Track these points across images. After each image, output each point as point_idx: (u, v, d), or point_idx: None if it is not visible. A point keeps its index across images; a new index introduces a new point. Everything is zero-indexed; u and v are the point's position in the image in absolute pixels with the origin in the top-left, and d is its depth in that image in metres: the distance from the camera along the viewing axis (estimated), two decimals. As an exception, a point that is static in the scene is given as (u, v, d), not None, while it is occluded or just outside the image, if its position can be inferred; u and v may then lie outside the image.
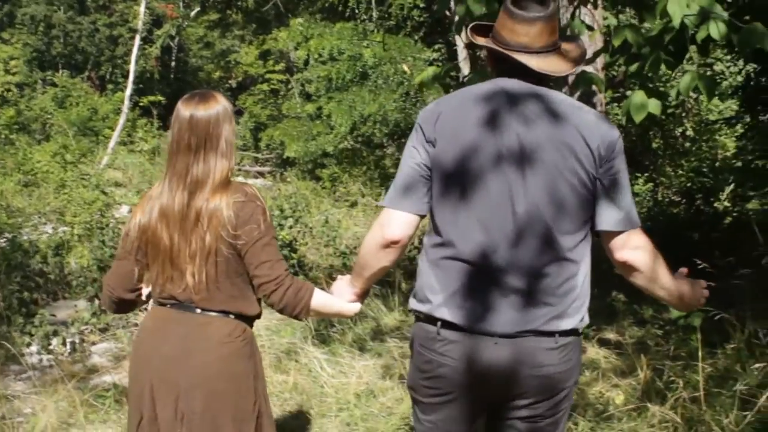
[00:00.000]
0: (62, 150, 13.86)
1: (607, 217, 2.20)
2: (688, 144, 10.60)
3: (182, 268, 2.44)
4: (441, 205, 2.23)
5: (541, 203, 2.14)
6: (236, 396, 2.48)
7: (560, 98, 2.23)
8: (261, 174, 18.49)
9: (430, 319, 2.26)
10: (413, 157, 2.26)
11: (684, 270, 2.48)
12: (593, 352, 5.61)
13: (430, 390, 2.32)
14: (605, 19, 8.86)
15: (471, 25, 2.41)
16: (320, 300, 2.54)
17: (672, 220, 8.65)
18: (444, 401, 2.31)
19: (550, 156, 2.14)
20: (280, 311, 2.50)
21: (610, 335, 5.94)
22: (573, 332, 2.24)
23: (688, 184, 9.39)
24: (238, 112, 22.17)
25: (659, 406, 4.12)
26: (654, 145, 10.76)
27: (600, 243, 2.29)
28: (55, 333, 5.56)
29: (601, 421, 4.20)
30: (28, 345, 5.48)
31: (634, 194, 9.26)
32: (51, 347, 5.47)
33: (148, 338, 2.54)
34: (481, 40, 2.35)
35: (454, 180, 2.19)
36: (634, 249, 2.23)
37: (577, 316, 2.24)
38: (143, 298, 2.65)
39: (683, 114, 10.80)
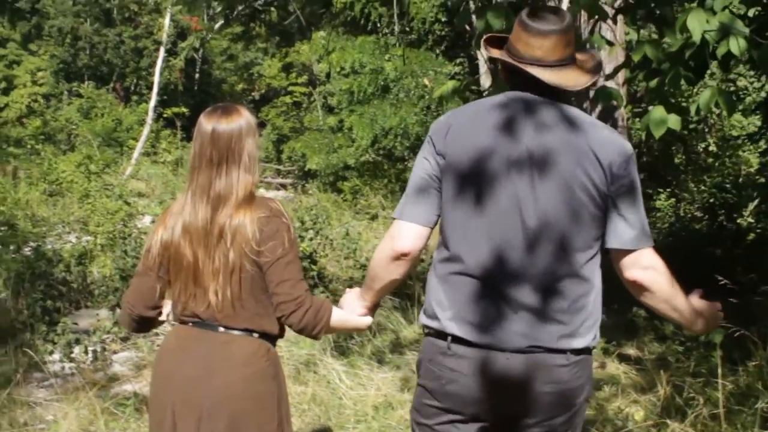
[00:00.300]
0: (87, 160, 14.01)
1: (619, 234, 2.17)
2: (710, 160, 10.52)
3: (205, 285, 2.39)
4: (450, 218, 2.21)
5: (551, 218, 2.12)
6: (260, 417, 2.42)
7: (573, 113, 2.21)
8: (283, 186, 18.57)
9: (440, 335, 2.23)
10: (424, 168, 2.25)
11: (698, 291, 2.42)
12: (613, 367, 5.59)
13: (438, 410, 2.26)
14: (627, 34, 8.87)
15: (485, 37, 2.40)
16: (337, 318, 2.50)
17: (694, 236, 8.59)
18: (452, 421, 2.25)
19: (560, 171, 2.12)
20: (299, 331, 2.45)
21: (630, 351, 5.91)
22: (585, 351, 2.22)
23: (711, 200, 9.31)
24: (261, 125, 22.31)
25: (679, 423, 4.10)
26: (676, 161, 10.69)
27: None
28: (77, 341, 5.61)
29: (620, 436, 4.18)
30: (51, 353, 5.54)
31: (656, 210, 9.25)
32: (73, 355, 5.52)
33: (169, 357, 2.49)
34: (495, 53, 2.33)
35: (463, 193, 2.18)
36: (644, 269, 2.19)
37: (589, 335, 2.21)
38: (163, 317, 2.60)
39: (706, 130, 10.73)
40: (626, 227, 2.16)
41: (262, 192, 14.49)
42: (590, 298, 2.19)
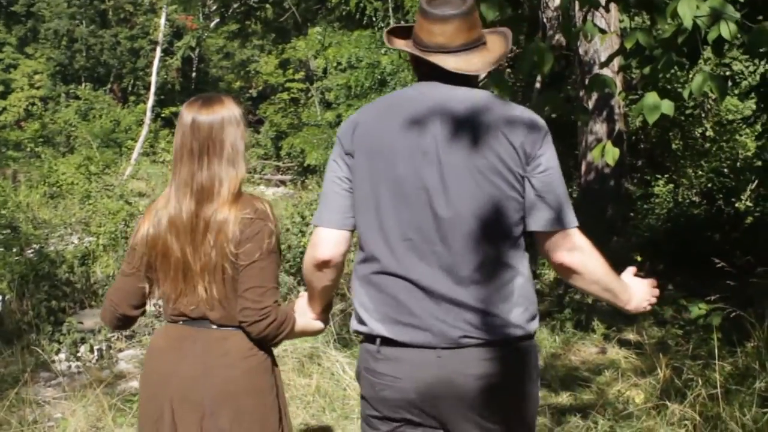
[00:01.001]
0: (86, 162, 14.05)
1: (538, 217, 2.07)
2: (708, 145, 10.56)
3: (194, 281, 2.32)
4: (362, 217, 2.13)
5: (463, 206, 2.04)
6: (262, 412, 2.37)
7: (482, 97, 2.13)
8: (282, 182, 18.62)
9: (370, 338, 2.14)
10: (334, 171, 2.18)
11: (632, 269, 2.34)
12: (613, 352, 5.65)
13: (380, 420, 2.17)
14: (621, 21, 8.90)
15: (389, 28, 2.31)
16: (297, 327, 2.43)
17: (692, 221, 8.63)
18: (395, 429, 2.15)
19: (470, 157, 2.04)
20: (258, 339, 2.36)
21: (630, 336, 5.97)
22: (518, 339, 2.09)
23: (709, 185, 9.35)
24: (259, 121, 22.34)
25: (678, 405, 4.15)
26: (674, 147, 10.73)
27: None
28: (83, 340, 5.66)
29: (621, 419, 4.24)
30: (57, 352, 5.60)
31: (654, 195, 9.27)
32: (79, 354, 5.58)
33: (162, 358, 2.40)
34: (400, 44, 2.24)
35: (373, 190, 2.10)
36: (569, 250, 2.11)
37: (520, 322, 2.09)
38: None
39: (702, 115, 10.77)
40: (545, 209, 2.07)
41: (261, 190, 14.49)
42: (515, 285, 2.09)
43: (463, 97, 2.11)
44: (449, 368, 2.05)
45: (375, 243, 2.11)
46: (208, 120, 2.33)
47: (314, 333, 2.60)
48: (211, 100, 2.38)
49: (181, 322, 2.39)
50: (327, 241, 2.19)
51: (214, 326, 2.35)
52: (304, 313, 2.47)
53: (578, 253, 2.11)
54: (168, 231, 2.34)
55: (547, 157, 2.08)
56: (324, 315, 2.51)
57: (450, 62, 2.10)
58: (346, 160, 2.16)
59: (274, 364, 2.47)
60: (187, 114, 2.35)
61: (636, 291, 2.27)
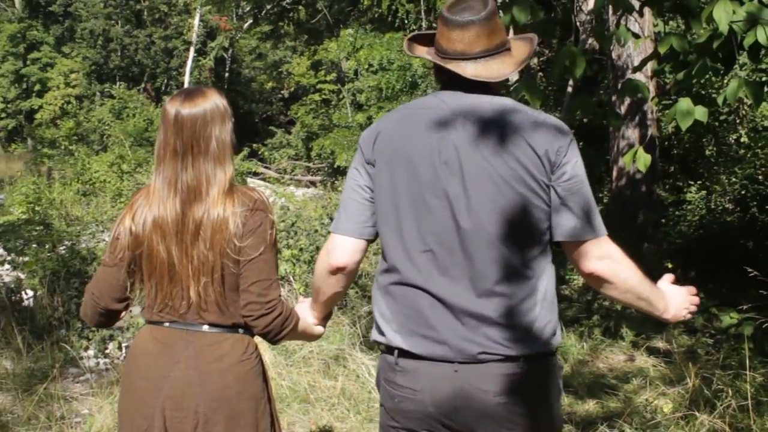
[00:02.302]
0: (119, 160, 14.21)
1: (564, 226, 2.01)
2: (742, 151, 10.40)
3: (184, 284, 2.23)
4: (384, 227, 2.11)
5: (486, 217, 1.99)
6: (255, 417, 2.30)
7: (505, 104, 2.07)
8: (312, 183, 18.68)
9: (389, 349, 2.12)
10: (354, 178, 2.16)
11: (669, 276, 2.25)
12: (642, 360, 5.59)
13: (398, 431, 2.14)
14: (655, 25, 8.80)
15: (410, 36, 2.29)
16: (300, 327, 2.37)
17: (725, 229, 8.52)
18: None
19: (492, 166, 1.99)
20: (261, 335, 2.30)
21: (659, 344, 5.89)
22: (538, 356, 2.04)
23: (743, 192, 9.21)
24: (290, 122, 22.44)
25: (707, 415, 4.08)
26: (707, 153, 10.59)
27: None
28: (111, 337, 5.72)
29: (648, 429, 4.18)
30: (86, 349, 5.66)
31: (687, 202, 9.15)
32: (107, 351, 5.63)
33: (150, 363, 2.28)
34: (421, 51, 2.22)
35: (394, 200, 2.08)
36: (599, 258, 2.03)
37: (542, 337, 2.03)
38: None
39: (737, 121, 10.61)
40: (571, 217, 2.00)
41: (291, 190, 14.54)
42: (538, 297, 2.03)
43: (484, 105, 2.06)
44: (467, 383, 2.01)
45: (395, 253, 2.09)
46: (191, 115, 2.22)
47: (313, 338, 2.55)
48: (195, 94, 2.27)
49: (167, 324, 2.28)
50: (342, 249, 2.18)
51: (206, 327, 2.27)
52: (304, 318, 2.43)
53: (608, 261, 2.04)
54: (153, 232, 2.24)
55: (573, 164, 2.02)
56: (324, 322, 2.48)
57: (469, 69, 2.06)
58: (367, 169, 2.14)
59: (265, 369, 2.40)
60: (170, 108, 2.24)
61: (673, 299, 2.18)
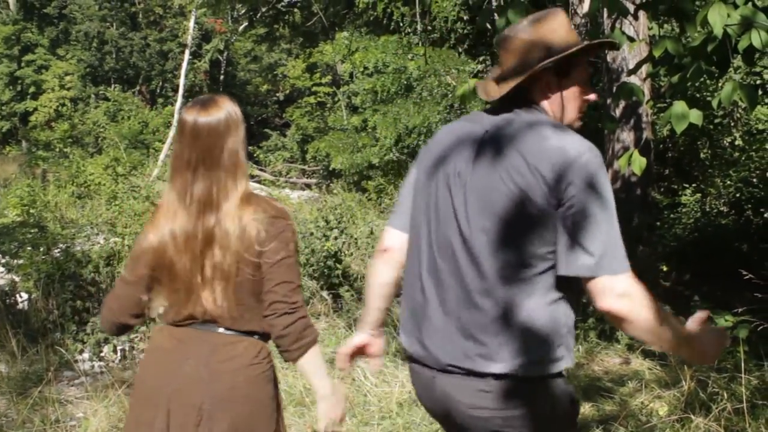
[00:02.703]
0: (114, 163, 14.20)
1: (573, 261, 1.89)
2: (737, 154, 10.43)
3: (202, 291, 2.27)
4: (410, 228, 2.24)
5: (479, 233, 1.98)
6: (260, 421, 2.31)
7: (518, 121, 2.04)
8: (307, 186, 18.68)
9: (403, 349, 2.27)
10: (409, 179, 2.28)
11: (702, 315, 2.07)
12: (637, 363, 5.59)
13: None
14: (650, 29, 8.82)
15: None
16: (317, 354, 2.33)
17: (720, 231, 8.53)
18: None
19: (490, 184, 1.98)
20: (278, 338, 2.28)
21: (655, 347, 5.89)
22: (516, 378, 1.95)
23: (737, 195, 9.23)
24: (285, 125, 22.45)
25: (703, 418, 4.09)
26: (702, 156, 10.62)
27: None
28: (106, 340, 5.71)
29: (643, 431, 4.18)
30: (81, 352, 5.65)
31: (682, 205, 9.16)
32: (102, 354, 5.63)
33: (163, 358, 2.33)
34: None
35: (417, 207, 2.20)
36: (618, 297, 1.88)
37: (522, 359, 1.94)
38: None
39: (732, 124, 10.64)
40: (581, 253, 1.88)
41: (286, 193, 14.52)
42: (524, 320, 1.94)
43: (505, 122, 2.07)
44: (443, 390, 2.07)
45: (411, 258, 2.20)
46: (206, 123, 2.24)
47: (325, 387, 2.37)
48: (208, 103, 2.28)
49: (186, 325, 2.33)
50: (389, 236, 2.29)
51: (221, 329, 2.30)
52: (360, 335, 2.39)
53: (627, 300, 1.88)
54: (173, 243, 2.28)
55: (582, 192, 1.89)
56: (378, 329, 2.38)
57: (479, 88, 2.18)
58: (416, 174, 2.25)
59: (275, 373, 2.41)
60: (188, 118, 2.26)
61: (702, 341, 2.03)
